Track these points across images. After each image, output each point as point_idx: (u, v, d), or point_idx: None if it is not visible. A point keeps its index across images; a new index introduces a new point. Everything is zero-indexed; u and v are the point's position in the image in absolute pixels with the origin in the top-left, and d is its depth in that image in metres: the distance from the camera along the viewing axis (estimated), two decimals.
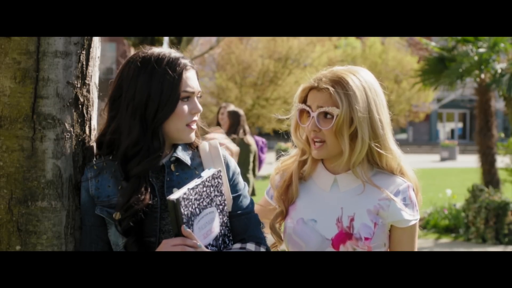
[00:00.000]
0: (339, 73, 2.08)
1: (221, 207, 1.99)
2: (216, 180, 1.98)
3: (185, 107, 1.98)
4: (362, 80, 2.08)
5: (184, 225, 1.85)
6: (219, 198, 1.99)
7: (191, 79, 2.00)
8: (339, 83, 2.05)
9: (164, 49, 2.03)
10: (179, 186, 1.96)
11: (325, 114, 2.07)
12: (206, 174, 1.95)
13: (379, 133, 2.07)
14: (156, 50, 2.01)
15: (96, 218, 1.97)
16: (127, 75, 1.97)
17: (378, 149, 2.08)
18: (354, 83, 2.06)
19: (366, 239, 2.06)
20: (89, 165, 2.01)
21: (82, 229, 2.00)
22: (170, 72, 1.95)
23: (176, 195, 1.84)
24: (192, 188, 1.88)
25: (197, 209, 1.90)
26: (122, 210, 1.91)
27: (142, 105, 1.94)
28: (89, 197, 1.98)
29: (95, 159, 2.03)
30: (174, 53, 2.01)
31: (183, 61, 1.99)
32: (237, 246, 2.02)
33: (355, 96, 2.04)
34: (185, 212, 1.86)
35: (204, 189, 1.92)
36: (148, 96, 1.94)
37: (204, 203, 1.92)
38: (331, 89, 2.05)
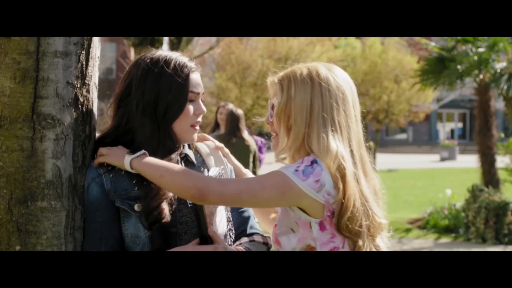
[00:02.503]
0: (296, 67, 2.06)
1: None
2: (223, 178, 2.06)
3: (191, 108, 2.04)
4: (319, 74, 2.01)
5: (211, 226, 1.94)
6: None
7: (197, 81, 2.07)
8: (287, 76, 2.04)
9: (171, 52, 2.10)
10: None
11: (273, 106, 2.06)
12: (213, 172, 2.01)
13: (316, 131, 1.97)
14: (163, 52, 2.08)
15: (109, 214, 1.98)
16: (136, 75, 2.03)
17: (310, 147, 1.98)
18: (301, 76, 2.02)
19: (275, 226, 2.06)
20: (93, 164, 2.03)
21: (90, 226, 1.99)
22: (178, 74, 2.02)
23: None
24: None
25: (213, 208, 1.98)
26: (148, 201, 1.95)
27: (152, 104, 2.00)
28: (102, 192, 1.99)
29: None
30: (180, 56, 2.08)
31: (189, 63, 2.07)
32: (246, 240, 2.13)
33: (297, 88, 1.99)
34: (207, 212, 1.93)
35: None
36: (157, 95, 2.00)
37: None
38: (275, 80, 2.05)
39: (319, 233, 1.95)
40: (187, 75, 2.04)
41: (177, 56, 2.07)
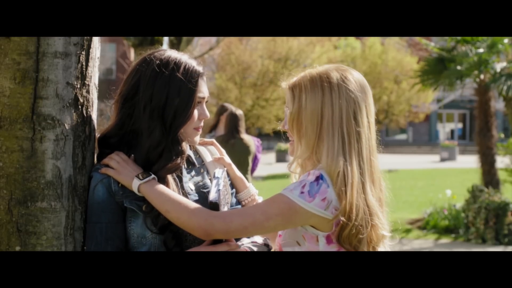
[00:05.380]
0: (308, 72, 2.03)
1: (228, 205, 2.08)
2: (227, 178, 2.12)
3: (196, 112, 2.05)
4: (330, 81, 1.98)
5: None
6: (227, 195, 2.08)
7: (203, 86, 2.08)
8: (298, 83, 2.02)
9: (180, 54, 2.08)
10: (189, 182, 2.09)
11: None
12: (219, 173, 2.05)
13: (326, 142, 1.95)
14: (173, 54, 2.06)
15: (115, 215, 1.98)
16: (144, 75, 2.01)
17: (319, 158, 1.97)
18: (312, 83, 1.99)
19: (279, 236, 2.06)
20: (101, 164, 2.03)
21: (95, 227, 1.98)
22: (188, 79, 2.01)
23: (215, 197, 1.95)
24: (220, 189, 1.99)
25: (220, 208, 2.02)
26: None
27: (160, 108, 1.99)
28: (108, 193, 1.99)
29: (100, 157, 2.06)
30: (190, 59, 2.07)
31: (198, 68, 2.06)
32: (248, 241, 2.12)
33: (308, 97, 1.97)
34: None
35: (224, 188, 2.03)
36: (165, 100, 1.99)
37: (223, 202, 2.02)
38: (288, 86, 2.03)
39: (326, 246, 1.95)
40: (196, 81, 2.03)
41: (187, 60, 2.05)
